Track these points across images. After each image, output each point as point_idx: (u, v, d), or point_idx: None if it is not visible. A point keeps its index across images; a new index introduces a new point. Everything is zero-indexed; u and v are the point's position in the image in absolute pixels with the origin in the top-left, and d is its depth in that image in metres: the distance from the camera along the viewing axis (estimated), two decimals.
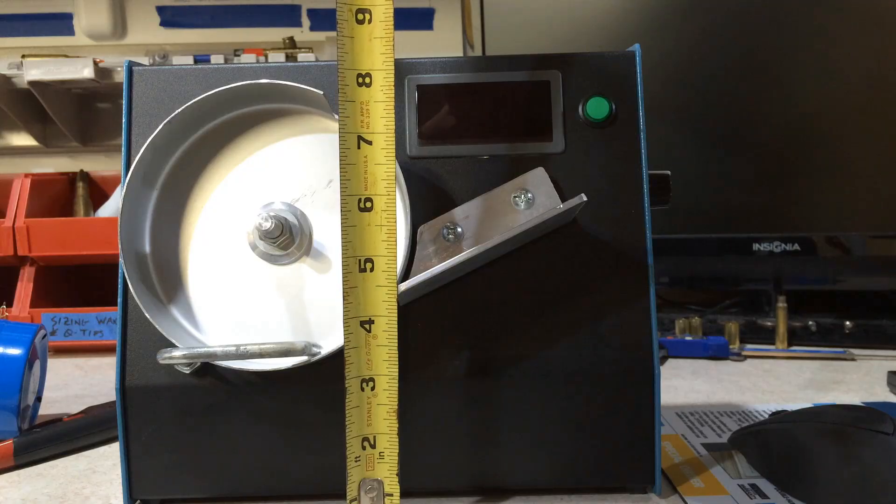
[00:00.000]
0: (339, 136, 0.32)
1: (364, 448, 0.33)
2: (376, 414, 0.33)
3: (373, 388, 0.33)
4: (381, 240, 0.32)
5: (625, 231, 0.38)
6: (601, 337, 0.38)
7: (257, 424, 0.38)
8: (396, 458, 0.33)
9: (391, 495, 0.33)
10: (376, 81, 0.32)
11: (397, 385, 0.33)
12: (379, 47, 0.32)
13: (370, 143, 0.32)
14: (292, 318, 0.38)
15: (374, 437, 0.33)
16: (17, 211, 0.87)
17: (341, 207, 0.32)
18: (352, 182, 0.32)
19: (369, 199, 0.32)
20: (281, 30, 1.08)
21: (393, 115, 0.32)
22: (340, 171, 0.32)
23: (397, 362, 0.33)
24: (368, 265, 0.32)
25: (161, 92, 0.40)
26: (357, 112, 0.32)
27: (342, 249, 0.32)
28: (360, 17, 0.32)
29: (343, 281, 0.32)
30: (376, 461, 0.33)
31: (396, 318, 0.33)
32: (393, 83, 0.32)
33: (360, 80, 0.32)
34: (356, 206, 0.32)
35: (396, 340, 0.33)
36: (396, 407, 0.33)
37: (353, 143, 0.32)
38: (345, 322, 0.32)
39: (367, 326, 0.32)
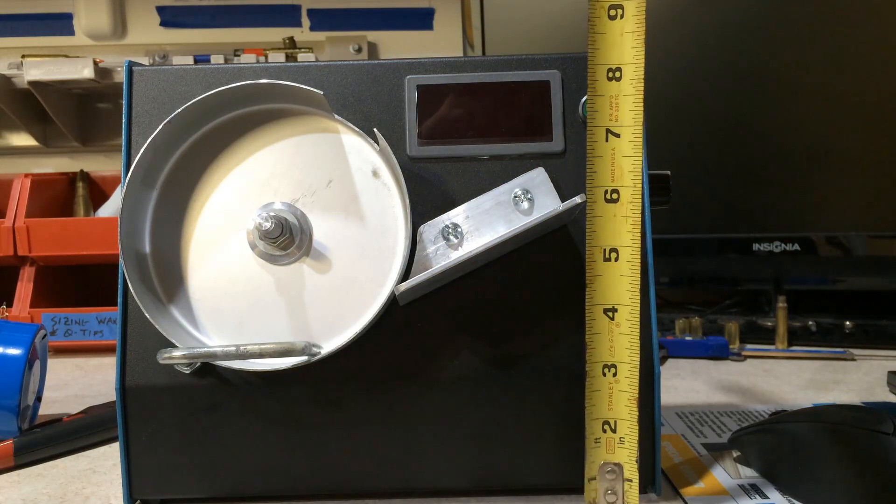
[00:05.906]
0: (587, 130, 0.33)
1: (605, 431, 0.34)
2: (617, 400, 0.34)
3: (615, 375, 0.34)
4: (626, 230, 0.33)
5: None
6: None
7: (257, 424, 0.38)
8: (636, 445, 0.34)
9: (630, 481, 0.34)
10: (626, 75, 0.33)
11: (638, 374, 0.34)
12: (630, 41, 0.33)
13: (618, 135, 0.33)
14: (292, 318, 0.38)
15: (615, 421, 0.34)
16: (17, 211, 0.87)
17: (587, 198, 0.33)
18: (598, 174, 0.33)
19: (616, 191, 0.33)
20: (281, 30, 1.08)
21: (642, 108, 0.33)
22: (587, 164, 0.33)
23: (639, 351, 0.34)
24: (613, 255, 0.33)
25: (161, 92, 0.40)
26: (606, 106, 0.33)
27: (587, 239, 0.34)
28: (613, 12, 0.33)
29: (587, 269, 0.33)
30: (616, 445, 0.34)
31: (639, 308, 0.34)
32: (643, 76, 0.33)
33: (611, 74, 0.33)
34: (602, 197, 0.33)
35: (639, 330, 0.34)
36: (637, 395, 0.34)
37: (601, 137, 0.33)
38: (588, 308, 0.34)
39: (609, 314, 0.34)
